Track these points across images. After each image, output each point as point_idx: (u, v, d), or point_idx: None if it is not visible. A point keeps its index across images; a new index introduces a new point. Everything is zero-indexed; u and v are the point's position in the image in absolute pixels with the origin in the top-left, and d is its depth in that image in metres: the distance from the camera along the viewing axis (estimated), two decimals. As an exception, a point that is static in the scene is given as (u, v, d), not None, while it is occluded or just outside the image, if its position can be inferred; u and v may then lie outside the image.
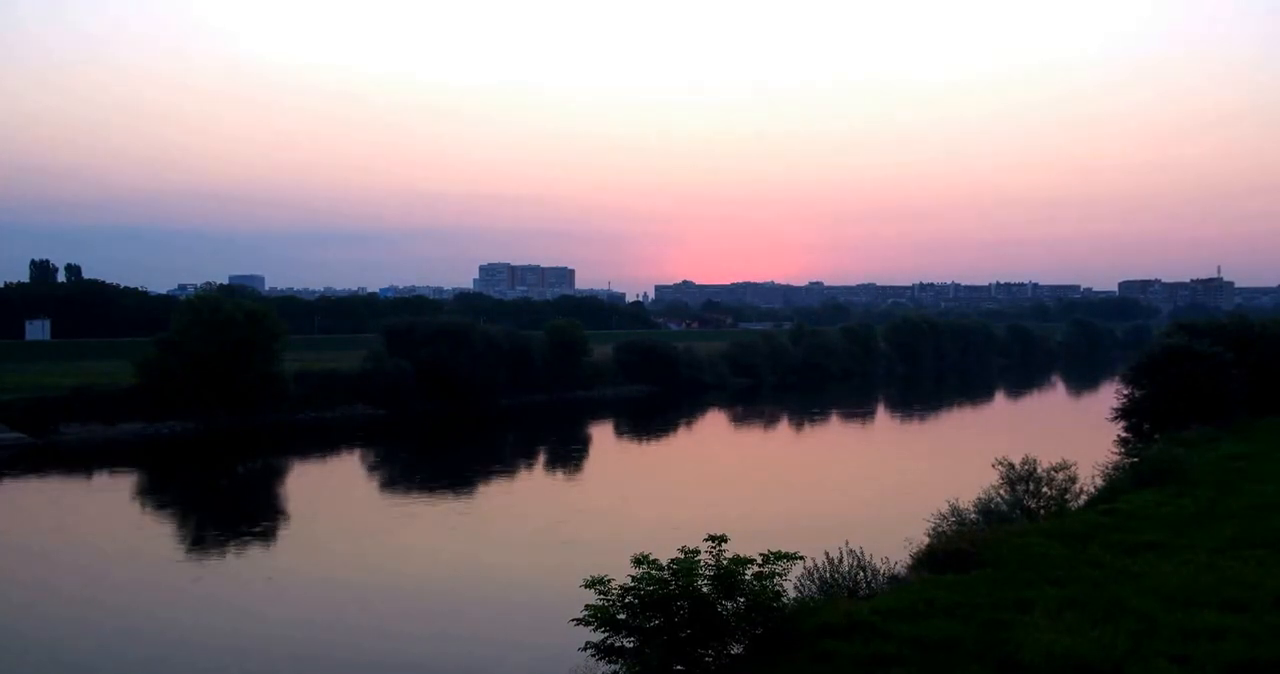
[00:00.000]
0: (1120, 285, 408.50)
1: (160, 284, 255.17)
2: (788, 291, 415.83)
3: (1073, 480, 27.32)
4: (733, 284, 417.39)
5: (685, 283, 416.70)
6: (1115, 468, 34.20)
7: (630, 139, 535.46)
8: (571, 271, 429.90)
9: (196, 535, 43.02)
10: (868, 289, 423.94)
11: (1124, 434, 47.21)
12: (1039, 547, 19.76)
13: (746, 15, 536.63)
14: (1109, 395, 58.61)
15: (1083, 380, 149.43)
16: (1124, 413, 48.69)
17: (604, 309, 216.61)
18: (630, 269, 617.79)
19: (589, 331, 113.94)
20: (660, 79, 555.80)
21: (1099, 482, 31.40)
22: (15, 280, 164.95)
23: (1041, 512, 25.88)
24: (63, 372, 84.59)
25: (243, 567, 36.65)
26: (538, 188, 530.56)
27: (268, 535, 42.72)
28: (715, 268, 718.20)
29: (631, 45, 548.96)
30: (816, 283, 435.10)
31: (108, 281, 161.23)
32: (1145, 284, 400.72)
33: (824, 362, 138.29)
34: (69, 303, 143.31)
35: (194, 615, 30.14)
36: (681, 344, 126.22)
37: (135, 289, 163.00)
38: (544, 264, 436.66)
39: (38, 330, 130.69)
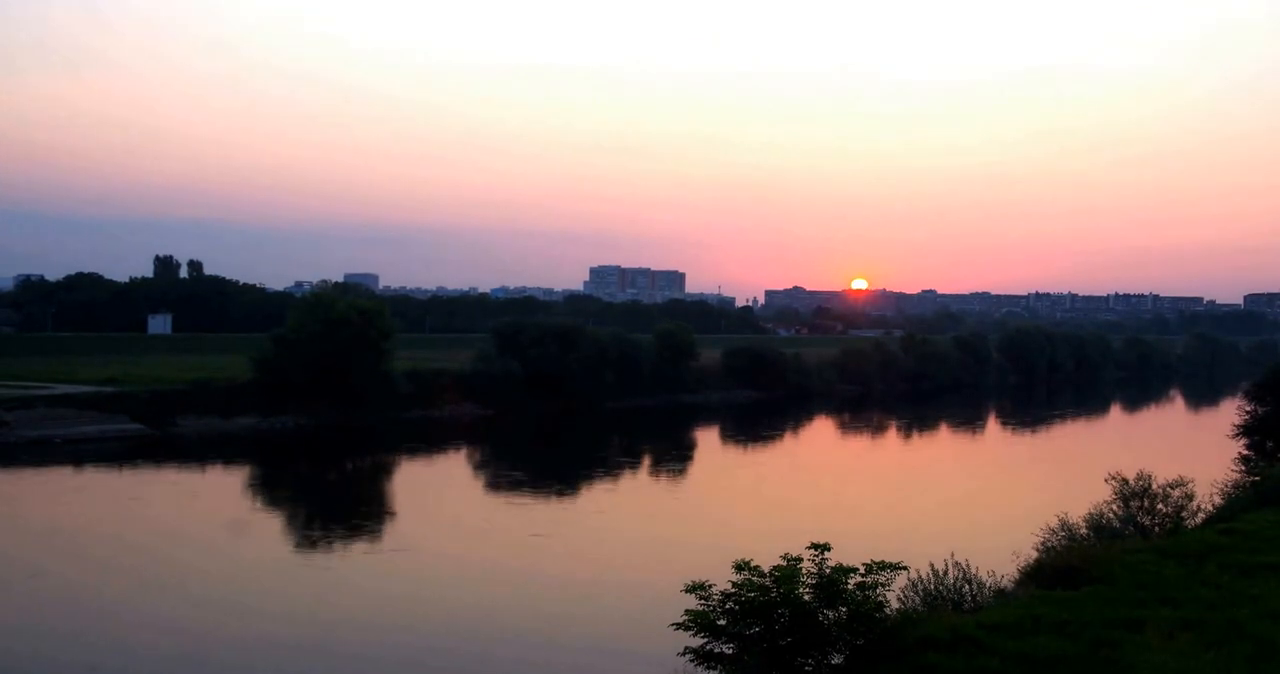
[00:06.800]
0: (1246, 298, 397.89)
1: (277, 281, 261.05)
2: (900, 299, 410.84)
3: (1189, 497, 26.55)
4: (844, 290, 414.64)
5: (796, 288, 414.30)
6: (1235, 486, 33.18)
7: (743, 144, 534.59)
8: (682, 275, 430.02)
9: (302, 534, 43.64)
10: (982, 298, 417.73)
11: (1245, 452, 45.79)
12: (1152, 565, 19.20)
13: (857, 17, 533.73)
14: (1230, 411, 57.07)
15: (1202, 396, 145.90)
16: (1246, 430, 47.26)
17: (713, 313, 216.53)
18: (740, 274, 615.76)
19: (697, 336, 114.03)
20: (769, 86, 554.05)
21: (1217, 500, 30.50)
22: (140, 275, 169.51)
23: (1156, 529, 25.22)
24: (181, 365, 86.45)
25: (347, 560, 37.20)
26: (650, 191, 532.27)
27: (373, 531, 43.33)
28: (827, 274, 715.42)
29: (746, 50, 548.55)
30: (929, 290, 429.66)
31: (227, 278, 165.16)
32: (1273, 297, 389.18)
33: (934, 371, 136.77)
34: (189, 298, 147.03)
35: (290, 614, 30.68)
36: (791, 350, 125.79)
37: (253, 285, 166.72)
38: (654, 267, 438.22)
39: (159, 324, 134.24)
